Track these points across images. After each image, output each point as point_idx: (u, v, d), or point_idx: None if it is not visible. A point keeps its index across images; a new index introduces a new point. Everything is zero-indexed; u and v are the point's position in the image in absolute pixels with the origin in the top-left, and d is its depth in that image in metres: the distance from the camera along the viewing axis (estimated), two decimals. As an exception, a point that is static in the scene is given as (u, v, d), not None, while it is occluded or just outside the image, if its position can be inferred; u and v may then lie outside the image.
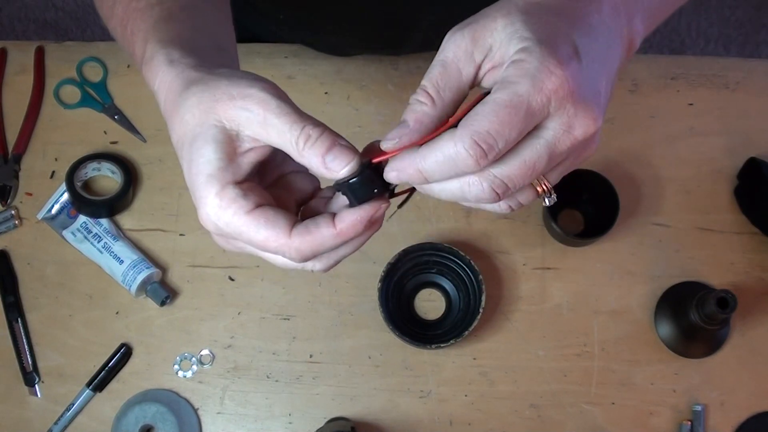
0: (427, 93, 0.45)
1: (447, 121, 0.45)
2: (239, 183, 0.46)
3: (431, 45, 0.93)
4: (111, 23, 0.62)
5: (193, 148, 0.46)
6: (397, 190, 0.49)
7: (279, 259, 0.48)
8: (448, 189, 0.45)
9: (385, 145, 0.45)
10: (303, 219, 0.48)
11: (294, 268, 0.49)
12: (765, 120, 0.92)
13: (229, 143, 0.46)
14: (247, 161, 0.47)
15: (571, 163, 0.47)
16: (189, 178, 0.47)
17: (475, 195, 0.44)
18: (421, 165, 0.44)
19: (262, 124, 0.45)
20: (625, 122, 0.92)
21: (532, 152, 0.43)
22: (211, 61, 0.51)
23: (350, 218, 0.46)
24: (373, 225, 0.46)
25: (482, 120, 0.42)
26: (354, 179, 0.46)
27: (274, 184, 0.51)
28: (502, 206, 0.47)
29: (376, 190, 0.46)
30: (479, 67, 0.46)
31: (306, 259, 0.47)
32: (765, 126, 0.92)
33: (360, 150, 0.47)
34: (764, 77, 0.94)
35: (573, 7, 0.47)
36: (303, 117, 0.45)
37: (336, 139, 0.45)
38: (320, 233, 0.46)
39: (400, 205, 0.51)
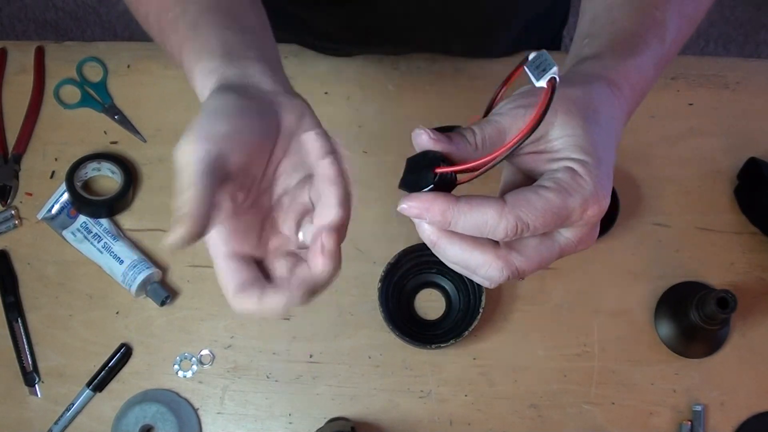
0: (475, 139, 0.48)
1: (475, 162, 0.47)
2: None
3: (431, 46, 0.94)
4: (152, 33, 0.62)
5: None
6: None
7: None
8: (464, 257, 0.48)
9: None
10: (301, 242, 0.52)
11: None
12: (765, 120, 0.92)
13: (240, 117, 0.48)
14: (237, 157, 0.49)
15: None
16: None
17: (490, 276, 0.48)
18: (455, 215, 0.45)
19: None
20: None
21: (549, 253, 0.48)
22: (239, 57, 0.52)
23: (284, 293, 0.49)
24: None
25: (531, 213, 0.45)
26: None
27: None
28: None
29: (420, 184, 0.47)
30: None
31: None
32: (765, 126, 0.92)
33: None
34: (764, 77, 0.94)
35: (612, 113, 0.51)
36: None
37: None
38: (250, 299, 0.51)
39: None
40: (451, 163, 0.46)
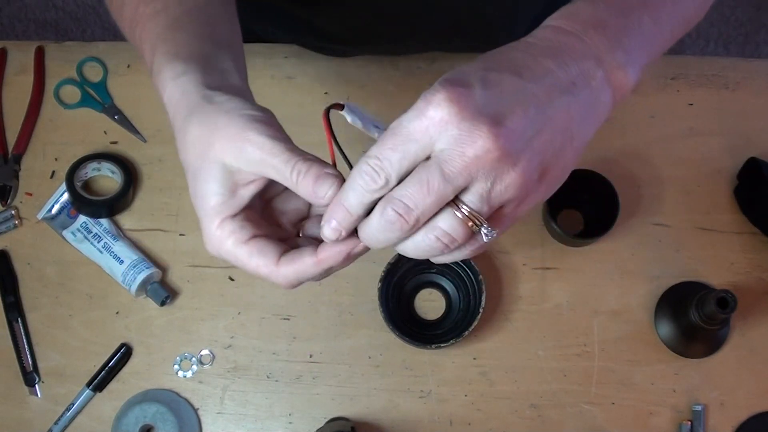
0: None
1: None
2: (239, 213, 0.50)
3: (432, 45, 0.94)
4: (120, 23, 0.63)
5: (198, 181, 0.50)
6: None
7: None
8: (370, 232, 0.47)
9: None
10: (303, 235, 0.54)
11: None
12: (765, 120, 0.92)
13: (230, 178, 0.49)
14: (248, 193, 0.50)
15: (515, 207, 0.47)
16: (194, 203, 0.51)
17: (386, 220, 0.45)
18: (342, 200, 0.47)
19: (260, 164, 0.48)
20: (625, 122, 0.92)
21: (424, 171, 0.44)
22: (215, 66, 0.54)
23: (331, 250, 0.49)
24: (352, 257, 0.50)
25: (374, 148, 0.45)
26: None
27: (270, 203, 0.55)
28: (427, 238, 0.47)
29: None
30: None
31: (292, 285, 0.50)
32: (765, 126, 0.92)
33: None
34: (764, 77, 0.94)
35: (522, 59, 0.48)
36: (295, 154, 0.48)
37: (322, 169, 0.48)
38: (303, 262, 0.49)
39: None
40: None
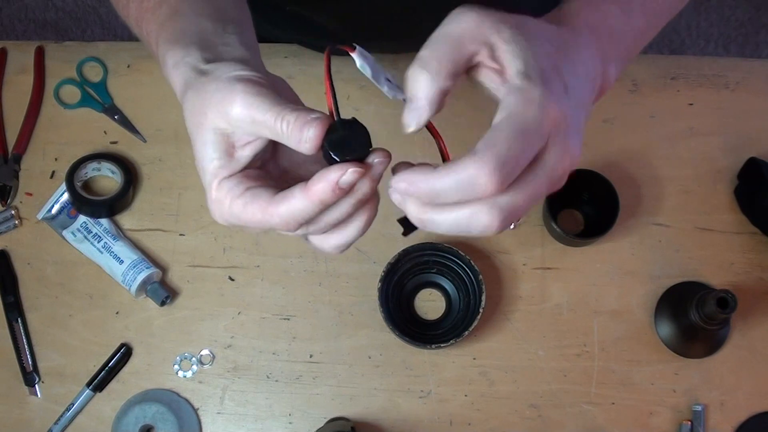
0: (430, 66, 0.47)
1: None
2: (237, 173, 0.49)
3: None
4: (129, 23, 0.63)
5: (196, 148, 0.50)
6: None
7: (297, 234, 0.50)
8: (452, 218, 0.46)
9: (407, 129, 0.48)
10: None
11: (316, 248, 0.51)
12: (765, 120, 0.92)
13: (225, 141, 0.49)
14: (245, 154, 0.50)
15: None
16: (200, 176, 0.51)
17: (483, 225, 0.45)
18: (435, 184, 0.44)
19: (250, 123, 0.48)
20: (625, 122, 0.92)
21: (537, 183, 0.45)
22: (215, 41, 0.54)
23: (319, 178, 0.46)
24: (343, 189, 0.46)
25: (504, 144, 0.43)
26: (332, 139, 0.46)
27: (286, 173, 0.53)
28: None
29: (351, 153, 0.46)
30: (476, 54, 0.48)
31: (290, 226, 0.48)
32: (765, 126, 0.92)
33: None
34: (764, 77, 0.94)
35: (565, 41, 0.50)
36: (281, 107, 0.47)
37: (308, 116, 0.47)
38: (293, 196, 0.47)
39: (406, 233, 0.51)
40: None
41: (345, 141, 0.46)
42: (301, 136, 0.46)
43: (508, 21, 0.47)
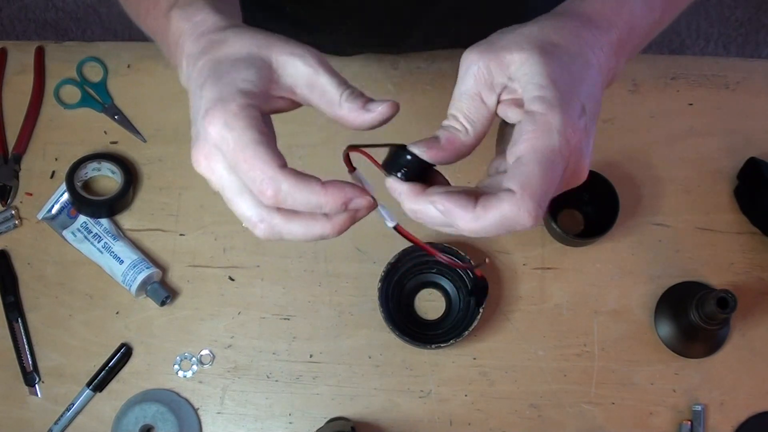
0: (460, 122, 0.48)
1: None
2: (259, 115, 0.46)
3: (431, 43, 0.94)
4: (137, 21, 0.62)
5: (234, 66, 0.47)
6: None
7: (241, 206, 0.47)
8: (495, 221, 0.46)
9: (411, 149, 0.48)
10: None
11: (250, 224, 0.48)
12: (765, 120, 0.92)
13: (269, 81, 0.47)
14: (273, 106, 0.48)
15: None
16: (212, 86, 0.46)
17: (523, 224, 0.46)
18: (474, 225, 0.45)
19: (306, 77, 0.48)
20: (625, 122, 0.92)
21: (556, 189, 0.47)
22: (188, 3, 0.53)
23: (343, 185, 0.46)
24: (358, 212, 0.48)
25: (537, 181, 0.45)
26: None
27: None
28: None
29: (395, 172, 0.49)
30: (498, 96, 0.49)
31: (274, 201, 0.45)
32: (765, 126, 0.92)
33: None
34: (764, 77, 0.94)
35: (580, 47, 0.50)
36: (343, 81, 0.49)
37: (368, 99, 0.50)
38: (308, 181, 0.46)
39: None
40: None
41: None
42: (368, 107, 0.49)
43: (513, 47, 0.48)
